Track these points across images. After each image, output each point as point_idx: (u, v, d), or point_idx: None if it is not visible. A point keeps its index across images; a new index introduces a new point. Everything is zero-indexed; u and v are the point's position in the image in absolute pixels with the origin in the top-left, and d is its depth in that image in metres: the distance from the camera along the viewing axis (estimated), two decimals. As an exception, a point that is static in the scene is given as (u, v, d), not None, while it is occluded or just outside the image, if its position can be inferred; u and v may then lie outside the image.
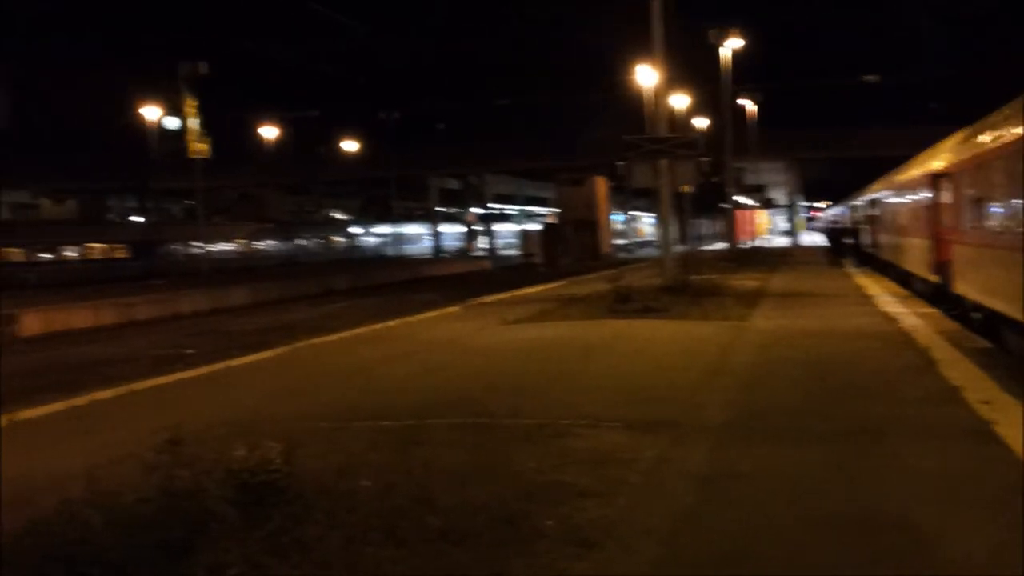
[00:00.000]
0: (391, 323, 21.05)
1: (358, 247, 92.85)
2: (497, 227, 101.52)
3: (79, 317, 32.73)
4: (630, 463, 7.52)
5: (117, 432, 9.58)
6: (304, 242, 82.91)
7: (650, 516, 6.21)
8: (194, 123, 61.12)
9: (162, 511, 5.47)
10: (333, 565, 5.29)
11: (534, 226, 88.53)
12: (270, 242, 78.56)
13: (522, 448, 8.04)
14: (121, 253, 60.97)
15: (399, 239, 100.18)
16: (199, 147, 61.18)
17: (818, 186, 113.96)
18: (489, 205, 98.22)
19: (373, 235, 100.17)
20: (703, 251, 57.41)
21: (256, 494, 5.91)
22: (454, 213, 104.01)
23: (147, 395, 12.42)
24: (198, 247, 63.62)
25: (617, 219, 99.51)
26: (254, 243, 75.23)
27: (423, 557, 5.40)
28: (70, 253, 57.07)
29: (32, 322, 30.64)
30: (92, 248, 59.94)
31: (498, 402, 10.05)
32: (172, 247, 64.53)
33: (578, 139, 79.37)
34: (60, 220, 76.16)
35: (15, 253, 53.93)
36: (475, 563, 5.35)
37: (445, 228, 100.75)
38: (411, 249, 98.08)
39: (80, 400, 11.94)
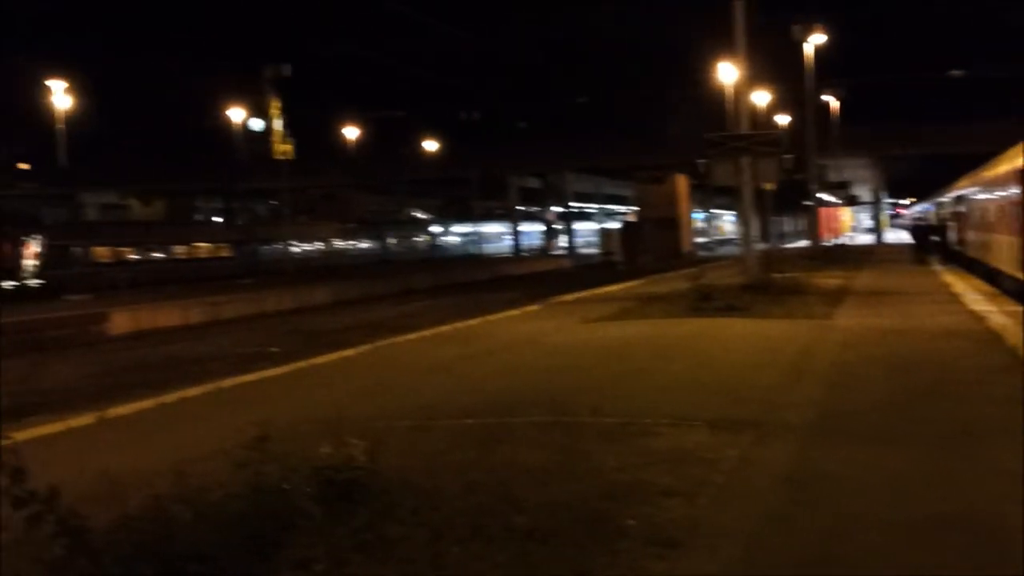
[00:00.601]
0: (472, 322, 21.13)
1: (439, 246, 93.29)
2: (577, 225, 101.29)
3: (167, 316, 33.35)
4: (713, 463, 7.48)
5: (205, 429, 9.75)
6: (386, 241, 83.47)
7: (734, 516, 6.18)
8: (278, 124, 61.97)
9: (250, 507, 5.56)
10: (418, 562, 5.33)
11: (614, 224, 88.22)
12: (352, 241, 79.22)
13: (604, 447, 8.04)
14: (225, 252, 61.99)
15: (479, 238, 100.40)
16: (283, 148, 62.03)
17: (903, 183, 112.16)
18: (569, 203, 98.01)
19: (454, 234, 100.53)
20: (785, 249, 56.87)
21: (341, 491, 5.99)
22: (534, 212, 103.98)
23: (233, 393, 12.60)
24: (282, 247, 64.44)
25: (698, 217, 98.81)
26: (337, 242, 75.89)
27: (508, 555, 5.42)
28: (157, 254, 58.02)
29: (122, 321, 31.26)
30: (198, 248, 60.98)
31: (579, 400, 10.04)
32: (259, 247, 65.42)
33: (658, 137, 78.91)
34: (150, 221, 77.33)
35: (121, 253, 54.94)
36: (559, 562, 5.36)
37: (525, 227, 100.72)
38: (491, 248, 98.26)
39: (169, 397, 12.13)
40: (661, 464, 7.41)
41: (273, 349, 23.46)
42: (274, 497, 5.66)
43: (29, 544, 5.01)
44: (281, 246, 64.82)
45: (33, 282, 46.78)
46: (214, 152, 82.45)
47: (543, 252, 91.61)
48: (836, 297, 22.59)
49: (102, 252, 53.41)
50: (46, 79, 67.75)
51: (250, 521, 5.43)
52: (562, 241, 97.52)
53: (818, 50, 46.98)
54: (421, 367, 14.09)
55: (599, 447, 8.03)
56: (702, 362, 13.22)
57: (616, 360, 13.67)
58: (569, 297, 27.47)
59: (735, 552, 5.58)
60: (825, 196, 69.87)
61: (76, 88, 68.56)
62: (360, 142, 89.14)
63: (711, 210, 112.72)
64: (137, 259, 55.44)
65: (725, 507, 6.39)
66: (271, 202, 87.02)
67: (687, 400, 10.24)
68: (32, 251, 48.03)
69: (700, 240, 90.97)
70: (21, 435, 8.73)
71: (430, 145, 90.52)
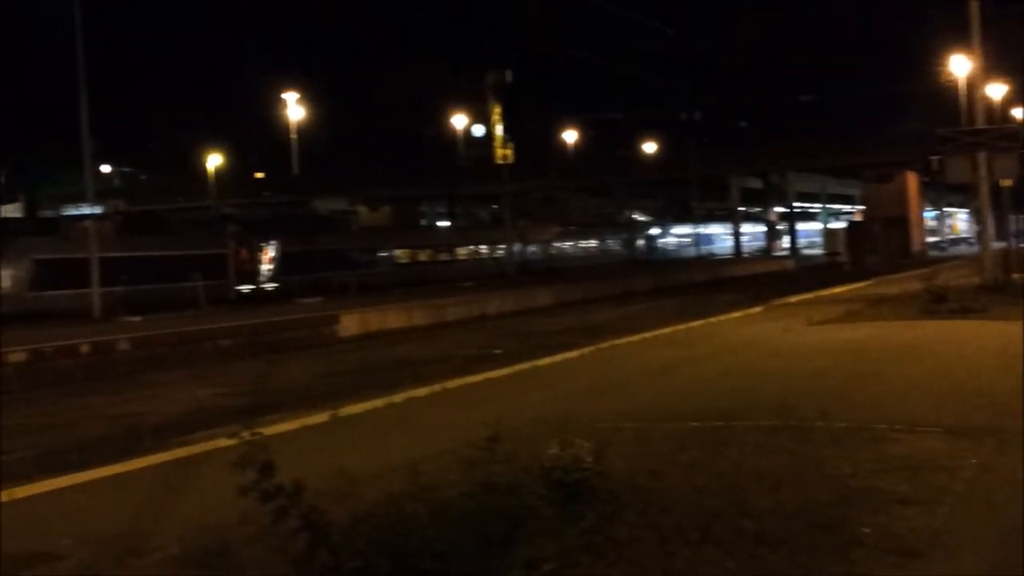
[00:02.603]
0: (693, 324, 20.93)
1: (658, 248, 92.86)
2: (800, 226, 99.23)
3: (393, 318, 34.17)
4: (951, 470, 7.18)
5: (432, 428, 9.97)
6: (605, 244, 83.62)
7: (976, 526, 5.92)
8: (499, 130, 62.94)
9: (480, 505, 5.64)
10: (647, 564, 5.31)
11: (839, 224, 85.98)
12: (572, 243, 79.68)
13: (834, 452, 7.82)
14: (446, 256, 63.77)
15: (699, 240, 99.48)
16: (504, 153, 62.91)
17: None
18: (792, 204, 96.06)
19: (674, 236, 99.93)
20: (1024, 248, 54.21)
21: (569, 492, 6.01)
22: (755, 212, 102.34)
23: (458, 393, 12.83)
24: (504, 250, 65.43)
25: (928, 215, 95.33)
26: (557, 245, 76.45)
27: (738, 560, 5.33)
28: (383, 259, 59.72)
29: (350, 323, 32.21)
30: (421, 252, 62.79)
31: (807, 404, 9.78)
32: (479, 250, 66.75)
33: (886, 134, 76.52)
34: (377, 226, 79.55)
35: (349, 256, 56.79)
36: (791, 568, 5.24)
37: (746, 228, 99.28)
38: (711, 249, 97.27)
39: (397, 397, 12.44)
40: (896, 471, 7.16)
41: (496, 351, 23.77)
42: (504, 496, 5.72)
43: (272, 536, 5.21)
44: (503, 249, 65.79)
45: (269, 285, 48.82)
46: (438, 158, 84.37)
47: (765, 253, 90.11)
48: (1082, 298, 21.39)
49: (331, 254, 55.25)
50: (280, 91, 70.76)
51: (481, 519, 5.51)
52: (785, 242, 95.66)
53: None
54: (643, 369, 14.05)
55: (830, 452, 7.81)
56: (936, 366, 12.74)
57: (845, 363, 13.31)
58: (793, 299, 26.92)
59: (979, 563, 5.35)
60: (1067, 192, 66.29)
61: (307, 99, 71.38)
62: (579, 145, 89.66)
63: (943, 208, 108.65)
64: (364, 263, 57.10)
65: (967, 516, 6.13)
66: (492, 206, 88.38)
67: (922, 405, 9.88)
68: (268, 256, 50.13)
69: (931, 239, 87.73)
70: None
71: (649, 147, 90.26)
